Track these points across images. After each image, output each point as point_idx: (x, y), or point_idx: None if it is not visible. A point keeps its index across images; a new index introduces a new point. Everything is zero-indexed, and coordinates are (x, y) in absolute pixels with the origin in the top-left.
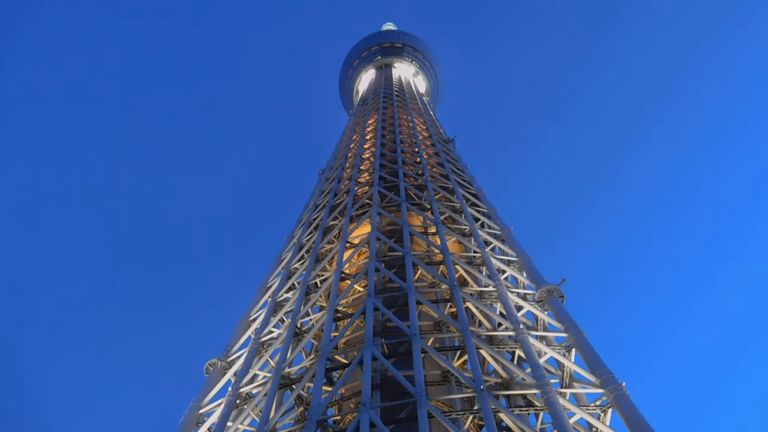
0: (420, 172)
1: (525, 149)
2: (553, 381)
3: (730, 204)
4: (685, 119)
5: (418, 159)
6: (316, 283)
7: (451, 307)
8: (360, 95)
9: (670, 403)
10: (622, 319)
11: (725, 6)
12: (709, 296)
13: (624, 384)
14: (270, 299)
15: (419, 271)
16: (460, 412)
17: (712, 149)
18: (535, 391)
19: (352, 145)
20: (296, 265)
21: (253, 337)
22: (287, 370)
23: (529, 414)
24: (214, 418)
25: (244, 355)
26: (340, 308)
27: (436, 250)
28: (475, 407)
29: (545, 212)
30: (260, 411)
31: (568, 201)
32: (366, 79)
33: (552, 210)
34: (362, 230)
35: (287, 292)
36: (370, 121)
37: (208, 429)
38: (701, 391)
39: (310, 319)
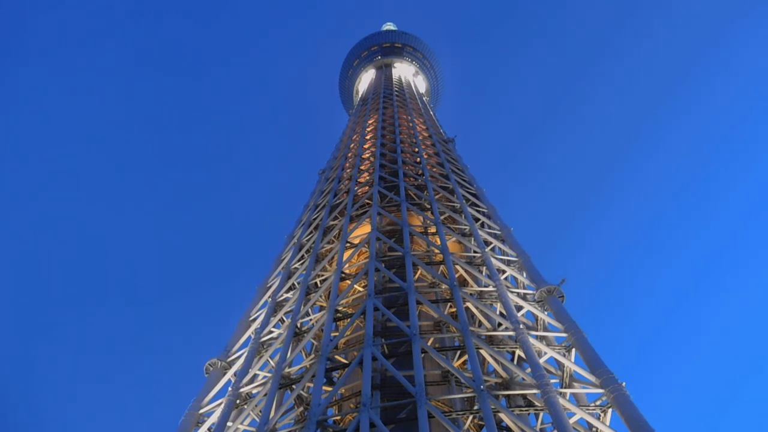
0: (420, 172)
1: (538, 151)
2: (553, 381)
3: (743, 208)
4: (697, 124)
5: (418, 159)
6: (316, 283)
7: (451, 307)
8: (360, 95)
9: (683, 407)
10: (634, 322)
11: (737, 12)
12: (723, 301)
13: (624, 384)
14: (270, 299)
15: (419, 271)
16: (460, 412)
17: (724, 155)
18: (535, 391)
19: (352, 145)
20: (296, 265)
21: (253, 337)
22: (287, 370)
23: (529, 414)
24: (214, 418)
25: (244, 355)
26: (340, 308)
27: (436, 250)
28: (475, 407)
29: (556, 216)
30: (260, 411)
31: (579, 205)
32: (366, 79)
33: (563, 214)
34: (362, 230)
35: (287, 292)
36: (370, 121)
37: (208, 429)
38: (714, 397)
39: (310, 319)
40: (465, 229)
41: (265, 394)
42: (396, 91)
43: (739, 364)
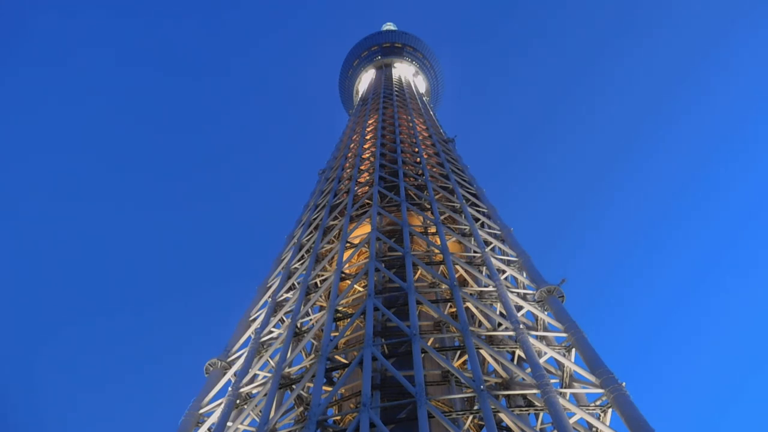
0: (420, 172)
1: (538, 151)
2: (553, 381)
3: (743, 208)
4: (697, 124)
5: (418, 159)
6: (316, 283)
7: (451, 307)
8: (360, 95)
9: (683, 407)
10: (635, 322)
11: (737, 12)
12: (723, 301)
13: (624, 384)
14: (270, 299)
15: (419, 271)
16: (460, 412)
17: (724, 155)
18: (535, 391)
19: (352, 145)
20: (296, 265)
21: (253, 337)
22: (287, 370)
23: (529, 414)
24: (214, 418)
25: (244, 355)
26: (340, 308)
27: (436, 250)
28: (475, 407)
29: (557, 216)
30: (260, 411)
31: (579, 205)
32: (366, 79)
33: (563, 214)
34: (362, 230)
35: (287, 292)
36: (370, 121)
37: (208, 429)
38: (715, 397)
39: (310, 319)
40: (465, 229)
41: (265, 394)
42: (396, 91)
43: (740, 364)
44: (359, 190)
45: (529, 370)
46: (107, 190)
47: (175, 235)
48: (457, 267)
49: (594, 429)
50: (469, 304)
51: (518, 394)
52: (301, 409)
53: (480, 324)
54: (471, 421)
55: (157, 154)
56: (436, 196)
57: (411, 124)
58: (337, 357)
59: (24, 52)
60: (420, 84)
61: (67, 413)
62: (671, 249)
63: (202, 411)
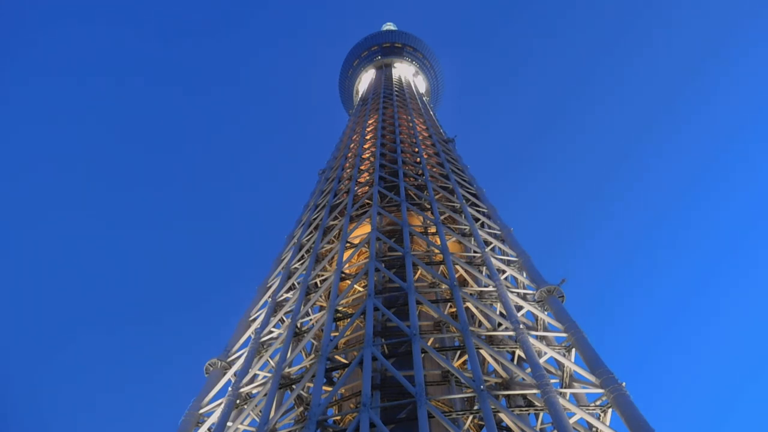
0: (420, 172)
1: (539, 152)
2: (553, 381)
3: (746, 212)
4: (701, 127)
5: (418, 159)
6: (316, 283)
7: (451, 307)
8: (360, 95)
9: (684, 408)
10: (637, 323)
11: (740, 13)
12: (725, 303)
13: (624, 384)
14: (270, 299)
15: (419, 271)
16: (460, 412)
17: (729, 157)
18: (535, 391)
19: (352, 145)
20: (296, 265)
21: (253, 337)
22: (287, 370)
23: (529, 414)
24: (214, 418)
25: (244, 355)
26: (340, 308)
27: (436, 250)
28: (475, 407)
29: (559, 216)
30: (260, 411)
31: (581, 206)
32: (366, 79)
33: (565, 214)
34: (362, 230)
35: (287, 292)
36: (370, 121)
37: (208, 429)
38: (716, 398)
39: (310, 319)
40: (465, 229)
41: (265, 394)
42: (396, 91)
43: (741, 365)
44: (359, 190)
45: (529, 370)
46: (109, 195)
47: (177, 237)
48: (457, 267)
49: (594, 429)
50: (469, 304)
51: (518, 394)
52: (301, 409)
53: (480, 324)
54: (471, 421)
55: (159, 158)
56: (436, 196)
57: (411, 124)
58: (337, 357)
59: (32, 61)
60: (420, 84)
61: (69, 416)
62: (673, 250)
63: (202, 411)
